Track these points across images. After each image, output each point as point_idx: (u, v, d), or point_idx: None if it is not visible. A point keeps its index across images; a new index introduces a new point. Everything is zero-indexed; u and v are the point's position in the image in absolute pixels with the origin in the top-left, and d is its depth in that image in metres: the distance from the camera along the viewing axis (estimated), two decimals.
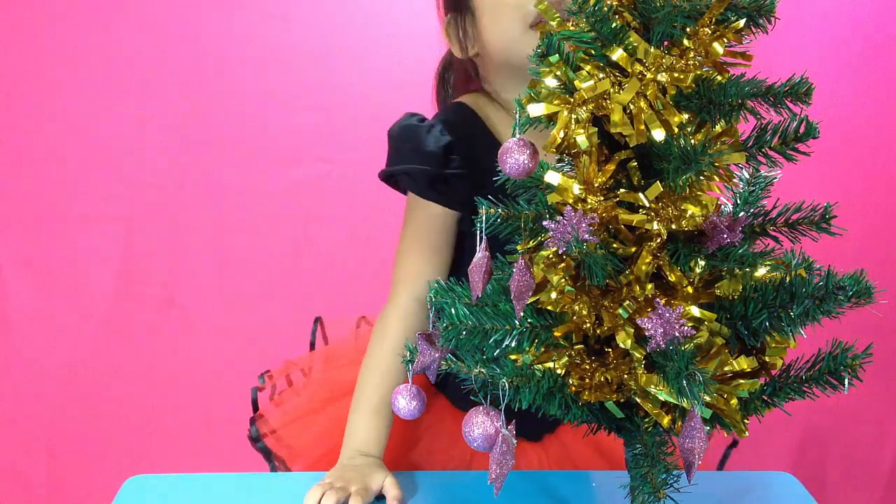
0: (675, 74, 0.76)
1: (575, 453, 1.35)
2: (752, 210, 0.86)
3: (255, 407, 1.36)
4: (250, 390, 1.35)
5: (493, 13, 1.24)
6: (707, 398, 0.77)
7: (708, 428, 0.79)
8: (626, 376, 0.80)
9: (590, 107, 0.76)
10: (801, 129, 0.79)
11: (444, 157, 1.22)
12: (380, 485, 1.14)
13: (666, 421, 0.80)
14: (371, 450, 1.20)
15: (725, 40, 0.77)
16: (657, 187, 0.77)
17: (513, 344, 0.82)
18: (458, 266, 1.29)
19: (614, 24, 0.76)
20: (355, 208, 1.86)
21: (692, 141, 0.76)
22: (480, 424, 0.78)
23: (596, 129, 0.77)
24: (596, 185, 0.79)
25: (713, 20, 0.77)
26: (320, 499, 1.10)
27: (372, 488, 1.13)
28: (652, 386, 0.78)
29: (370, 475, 1.14)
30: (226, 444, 1.61)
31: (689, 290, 0.80)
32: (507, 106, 1.29)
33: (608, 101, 0.76)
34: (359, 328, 1.48)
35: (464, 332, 0.81)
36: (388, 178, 1.29)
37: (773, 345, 0.82)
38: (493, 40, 1.25)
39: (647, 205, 0.78)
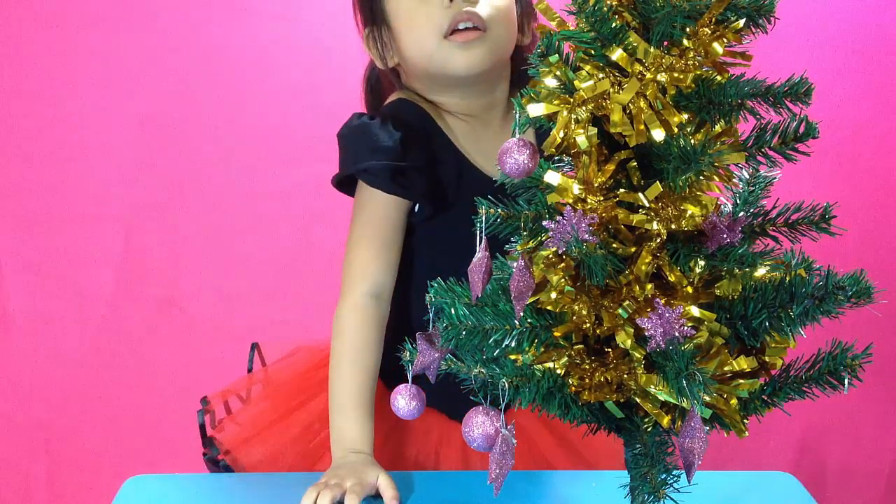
0: (675, 74, 0.76)
1: (532, 441, 1.35)
2: (751, 210, 0.86)
3: (204, 431, 1.36)
4: (196, 414, 1.35)
5: (407, 26, 1.26)
6: (707, 398, 0.77)
7: (708, 428, 0.79)
8: (625, 376, 0.80)
9: (589, 107, 0.77)
10: (801, 129, 0.79)
11: (401, 151, 1.23)
12: (375, 480, 1.14)
13: (666, 421, 0.80)
14: (360, 446, 1.19)
15: (725, 40, 0.77)
16: (657, 187, 0.77)
17: (513, 344, 0.82)
18: (410, 258, 1.31)
19: (614, 24, 0.76)
20: None
21: (692, 141, 0.76)
22: (480, 424, 0.78)
23: (596, 129, 0.77)
24: (596, 185, 0.79)
25: (713, 20, 0.77)
26: (316, 498, 1.10)
27: (368, 483, 1.13)
28: (652, 386, 0.78)
29: (364, 472, 1.14)
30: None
31: (689, 290, 0.80)
32: (436, 104, 1.32)
33: (608, 101, 0.76)
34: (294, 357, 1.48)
35: (463, 332, 0.81)
36: (341, 182, 1.32)
37: (773, 345, 0.82)
38: (411, 52, 1.28)
39: (647, 205, 0.78)
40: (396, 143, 1.24)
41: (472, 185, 1.27)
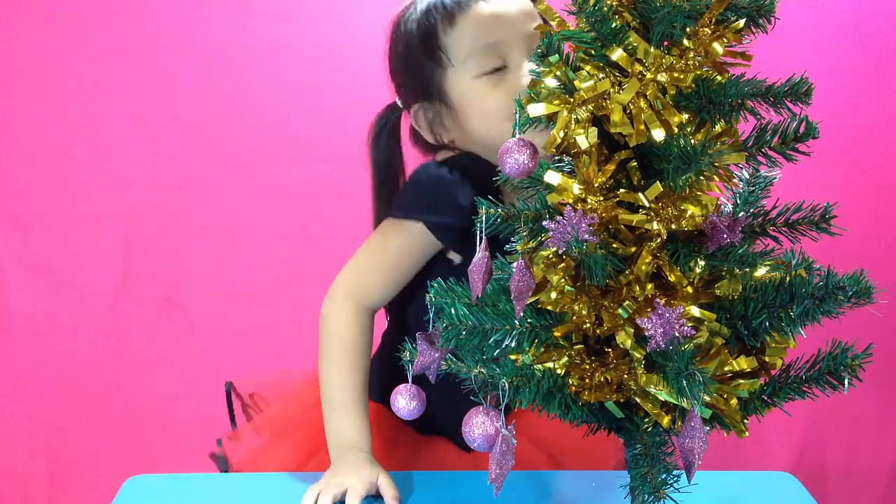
0: (675, 74, 0.76)
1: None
2: (751, 210, 0.86)
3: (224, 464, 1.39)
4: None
5: (480, 110, 1.25)
6: (707, 398, 0.77)
7: (708, 428, 0.79)
8: (625, 376, 0.80)
9: (590, 107, 0.77)
10: (801, 129, 0.79)
11: (474, 211, 1.23)
12: (376, 479, 1.14)
13: (666, 421, 0.80)
14: (357, 444, 1.20)
15: (725, 40, 0.77)
16: (657, 187, 0.77)
17: (513, 344, 0.82)
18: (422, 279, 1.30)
19: (614, 24, 0.76)
20: (355, 208, 1.85)
21: (692, 141, 0.76)
22: (480, 425, 0.78)
23: (596, 129, 0.77)
24: (596, 185, 0.79)
25: (713, 20, 0.77)
26: (317, 498, 1.10)
27: (369, 482, 1.13)
28: (652, 386, 0.78)
29: (364, 470, 1.15)
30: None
31: (689, 290, 0.80)
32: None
33: (608, 101, 0.76)
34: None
35: (464, 332, 0.81)
36: (406, 216, 1.28)
37: (773, 345, 0.82)
38: (482, 132, 1.26)
39: (647, 205, 0.78)
40: (470, 204, 1.20)
41: None
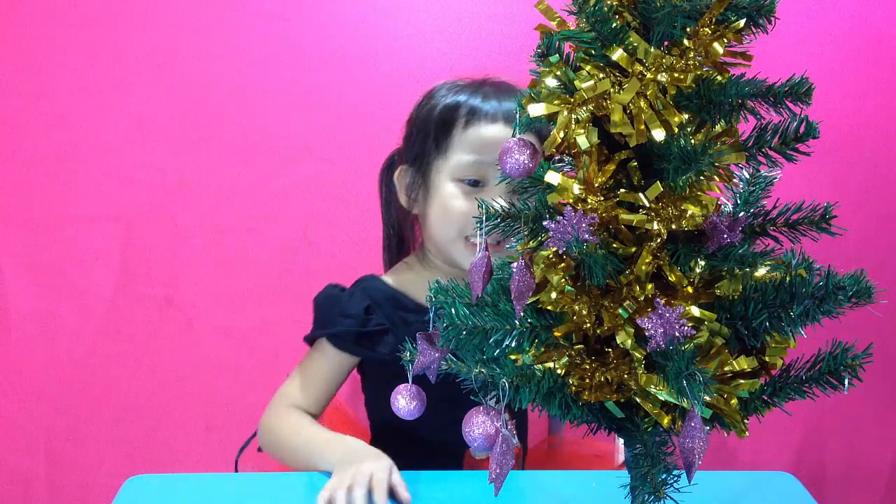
0: (676, 74, 0.76)
1: None
2: (752, 210, 0.86)
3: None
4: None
5: (442, 207, 1.37)
6: (707, 398, 0.77)
7: (708, 428, 0.79)
8: (626, 376, 0.80)
9: (590, 107, 0.76)
10: (802, 129, 0.79)
11: (365, 316, 1.38)
12: (388, 467, 1.16)
13: (666, 421, 0.80)
14: (360, 444, 1.23)
15: (725, 40, 0.77)
16: (657, 187, 0.77)
17: (513, 344, 0.82)
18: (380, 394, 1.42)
19: (614, 24, 0.76)
20: (355, 208, 1.85)
21: (692, 141, 0.76)
22: (481, 424, 0.78)
23: (596, 129, 0.77)
24: (596, 185, 0.79)
25: (713, 20, 0.77)
26: (328, 498, 1.11)
27: (386, 465, 1.16)
28: (652, 386, 0.78)
29: (377, 455, 1.19)
30: (226, 445, 1.61)
31: (689, 290, 0.80)
32: (431, 261, 1.45)
33: (608, 101, 0.76)
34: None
35: (464, 332, 0.81)
36: (312, 340, 1.45)
37: (773, 345, 0.82)
38: (434, 228, 1.40)
39: (648, 205, 0.78)
40: (362, 309, 1.38)
41: None
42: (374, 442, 1.40)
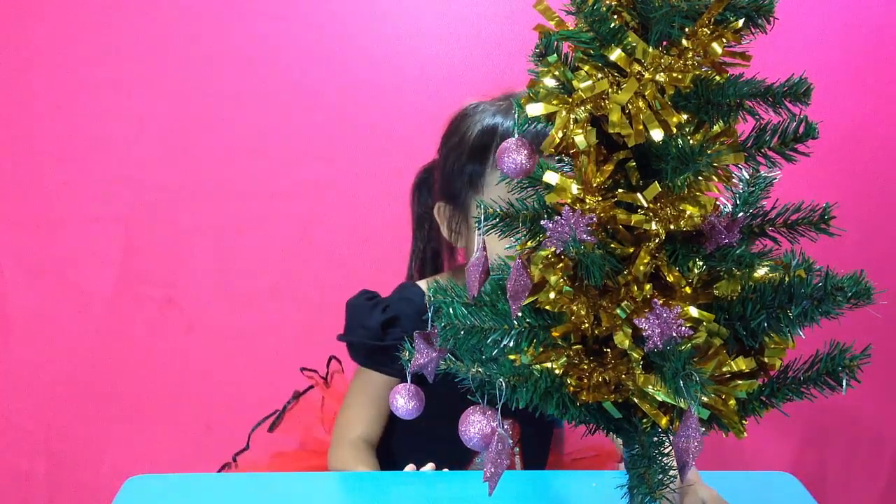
0: (674, 74, 0.76)
1: None
2: (750, 210, 0.86)
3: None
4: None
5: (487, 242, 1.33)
6: (705, 399, 0.76)
7: (705, 428, 0.79)
8: (623, 376, 0.80)
9: (588, 107, 0.76)
10: (801, 130, 0.79)
11: (382, 331, 1.37)
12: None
13: (664, 421, 0.80)
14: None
15: (724, 40, 0.77)
16: (655, 187, 0.77)
17: (511, 344, 0.82)
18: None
19: (613, 24, 0.76)
20: (355, 208, 1.86)
21: (690, 141, 0.76)
22: (477, 423, 0.78)
23: (594, 129, 0.77)
24: (594, 185, 0.79)
25: (712, 20, 0.77)
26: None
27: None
28: (650, 386, 0.77)
29: None
30: (226, 445, 1.61)
31: (688, 290, 0.79)
32: None
33: (606, 102, 0.76)
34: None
35: (462, 332, 0.81)
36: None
37: (772, 345, 0.82)
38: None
39: (646, 205, 0.78)
40: (378, 324, 1.36)
41: None
42: (387, 442, 1.42)
